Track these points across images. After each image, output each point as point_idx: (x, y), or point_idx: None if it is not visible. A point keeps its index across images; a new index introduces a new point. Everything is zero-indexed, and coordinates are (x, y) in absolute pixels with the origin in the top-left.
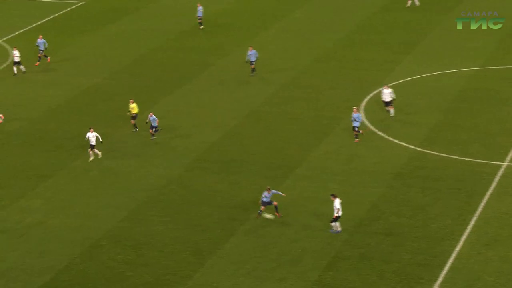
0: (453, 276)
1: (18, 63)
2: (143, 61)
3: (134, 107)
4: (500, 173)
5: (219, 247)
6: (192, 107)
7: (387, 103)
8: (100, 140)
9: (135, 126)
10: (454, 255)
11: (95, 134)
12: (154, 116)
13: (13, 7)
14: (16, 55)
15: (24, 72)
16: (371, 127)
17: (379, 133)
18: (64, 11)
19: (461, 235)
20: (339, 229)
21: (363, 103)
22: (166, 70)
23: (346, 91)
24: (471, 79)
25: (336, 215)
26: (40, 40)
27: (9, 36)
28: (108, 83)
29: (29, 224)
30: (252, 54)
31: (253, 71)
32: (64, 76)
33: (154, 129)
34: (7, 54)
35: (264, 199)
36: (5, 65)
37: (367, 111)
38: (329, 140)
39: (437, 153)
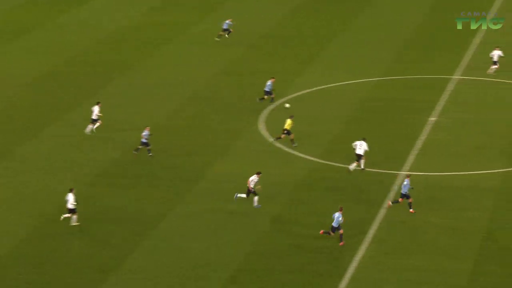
0: (354, 285)
1: None
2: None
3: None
4: (398, 182)
5: (122, 263)
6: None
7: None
8: None
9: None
10: (354, 264)
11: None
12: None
13: None
14: None
15: None
16: (272, 139)
17: (280, 145)
18: None
19: (361, 244)
20: None
21: (264, 115)
22: (70, 85)
23: (248, 103)
24: (373, 89)
25: None
26: None
27: None
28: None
29: None
30: None
31: None
32: None
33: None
34: None
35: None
36: None
37: (268, 123)
38: (234, 153)
39: (337, 164)
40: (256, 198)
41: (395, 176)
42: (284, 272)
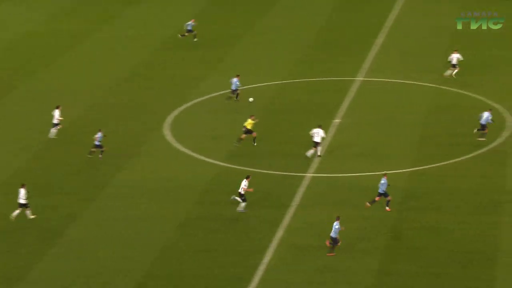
0: None
1: None
2: None
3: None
4: (305, 184)
5: (29, 272)
6: None
7: None
8: None
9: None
10: (263, 267)
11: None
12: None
13: None
14: None
15: None
16: (177, 144)
17: (185, 150)
18: None
19: (270, 247)
20: None
21: (170, 120)
22: None
23: (153, 108)
24: (277, 91)
25: None
26: None
27: None
28: None
29: None
30: None
31: None
32: None
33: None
34: None
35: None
36: None
37: (172, 128)
38: (140, 158)
39: (242, 168)
40: (242, 202)
41: (302, 178)
42: (193, 277)
